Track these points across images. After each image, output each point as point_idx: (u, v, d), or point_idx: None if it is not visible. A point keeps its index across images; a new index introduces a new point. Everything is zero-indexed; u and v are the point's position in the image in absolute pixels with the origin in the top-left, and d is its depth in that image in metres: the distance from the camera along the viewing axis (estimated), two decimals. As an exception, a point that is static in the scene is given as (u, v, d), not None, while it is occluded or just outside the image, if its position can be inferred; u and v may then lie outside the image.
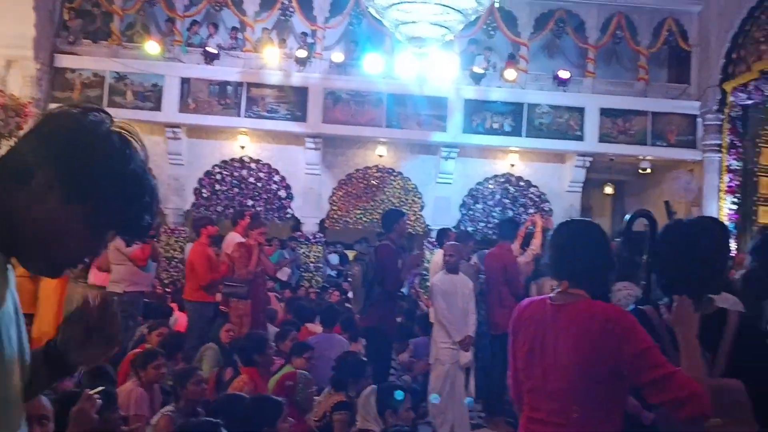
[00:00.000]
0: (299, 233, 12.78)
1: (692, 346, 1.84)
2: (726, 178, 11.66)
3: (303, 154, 12.66)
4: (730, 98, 11.61)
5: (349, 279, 12.54)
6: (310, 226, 12.86)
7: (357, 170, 13.13)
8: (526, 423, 2.03)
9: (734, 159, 11.58)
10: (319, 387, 4.95)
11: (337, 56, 12.31)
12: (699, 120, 12.37)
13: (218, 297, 7.01)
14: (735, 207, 11.45)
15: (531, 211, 12.97)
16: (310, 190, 12.79)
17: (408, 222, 8.22)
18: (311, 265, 12.64)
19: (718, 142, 11.89)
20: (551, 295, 2.06)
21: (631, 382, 1.87)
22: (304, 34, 12.82)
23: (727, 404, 1.81)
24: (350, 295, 11.07)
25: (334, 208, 13.05)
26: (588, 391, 1.88)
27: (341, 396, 4.49)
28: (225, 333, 6.23)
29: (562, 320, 1.95)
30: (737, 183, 11.52)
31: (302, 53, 12.22)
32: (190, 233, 11.10)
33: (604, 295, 2.03)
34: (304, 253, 12.59)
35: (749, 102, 11.30)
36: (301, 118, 12.24)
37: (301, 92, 12.26)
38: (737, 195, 11.50)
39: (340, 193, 13.09)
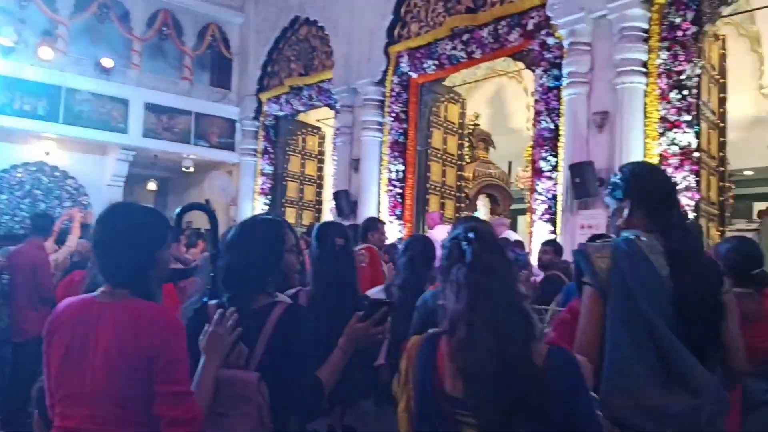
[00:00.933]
0: None
1: (212, 366, 1.92)
2: (260, 180, 12.78)
3: None
4: (265, 108, 12.77)
5: None
6: None
7: None
8: None
9: (267, 164, 12.77)
10: None
11: None
12: (238, 125, 13.26)
13: None
14: (267, 207, 12.63)
15: (67, 204, 12.01)
16: None
17: None
18: None
19: (254, 147, 12.96)
20: (97, 293, 1.91)
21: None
22: None
23: (236, 397, 1.89)
24: None
25: None
26: (128, 392, 1.80)
27: None
28: None
29: (106, 319, 1.84)
30: (269, 186, 12.73)
31: None
32: None
33: (149, 293, 1.95)
34: None
35: (281, 113, 12.60)
36: None
37: None
38: (269, 197, 12.70)
39: None
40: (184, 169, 13.57)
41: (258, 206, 12.69)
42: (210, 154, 13.21)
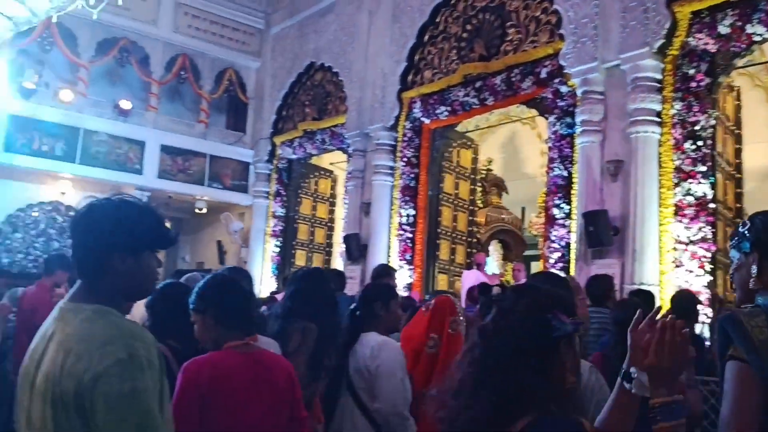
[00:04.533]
0: None
1: None
2: (271, 222, 12.77)
3: None
4: (279, 151, 12.84)
5: None
6: None
7: None
8: None
9: (279, 206, 12.78)
10: None
11: None
12: (252, 167, 13.34)
13: None
14: (278, 249, 12.59)
15: (80, 244, 12.08)
16: None
17: None
18: None
19: (267, 189, 13.00)
20: None
21: None
22: None
23: None
24: None
25: None
26: None
27: None
28: None
29: None
30: (280, 228, 12.71)
31: None
32: None
33: None
34: None
35: (294, 156, 12.66)
36: None
37: None
38: (280, 239, 12.68)
39: None
40: (197, 210, 13.63)
41: (269, 248, 12.66)
42: (223, 196, 13.27)
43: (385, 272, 5.76)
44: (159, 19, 12.55)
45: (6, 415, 5.50)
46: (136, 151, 12.30)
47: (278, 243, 12.67)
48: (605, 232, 6.87)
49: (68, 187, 12.20)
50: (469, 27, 9.29)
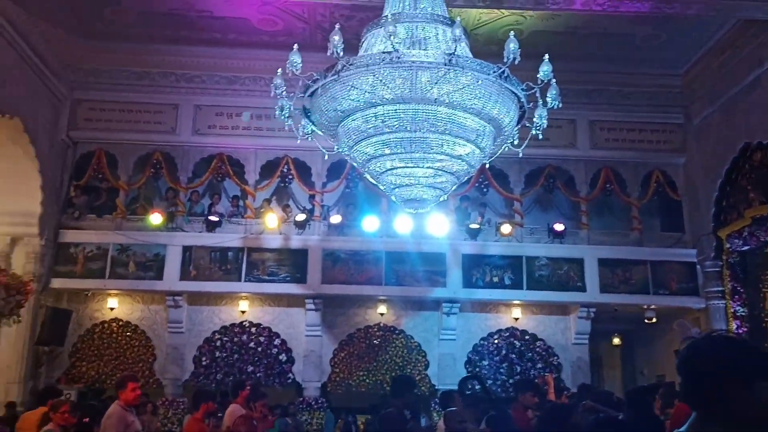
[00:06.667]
0: (301, 399, 12.34)
1: None
2: (733, 325, 11.47)
3: (303, 316, 12.55)
4: (726, 245, 11.71)
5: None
6: (311, 390, 12.44)
7: (358, 330, 12.95)
8: None
9: (739, 305, 11.46)
10: None
11: (335, 218, 12.60)
12: (698, 267, 12.40)
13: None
14: (747, 354, 11.14)
15: (539, 366, 12.67)
16: (311, 352, 12.54)
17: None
18: (314, 432, 12.08)
19: (720, 288, 11.84)
20: None
21: None
22: (310, 198, 13.11)
23: None
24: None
25: (336, 370, 12.71)
26: None
27: None
28: None
29: None
30: (745, 329, 11.31)
31: (301, 217, 12.52)
32: (189, 405, 10.73)
33: None
34: (306, 420, 12.08)
35: (746, 248, 11.37)
36: (301, 279, 12.26)
37: (301, 254, 12.38)
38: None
39: (342, 355, 12.81)
40: (646, 320, 13.12)
41: (737, 354, 11.28)
42: (671, 302, 12.53)
43: None
44: (577, 141, 13.12)
45: None
46: (575, 269, 12.64)
47: (746, 347, 11.23)
48: None
49: (519, 313, 13.08)
50: None
